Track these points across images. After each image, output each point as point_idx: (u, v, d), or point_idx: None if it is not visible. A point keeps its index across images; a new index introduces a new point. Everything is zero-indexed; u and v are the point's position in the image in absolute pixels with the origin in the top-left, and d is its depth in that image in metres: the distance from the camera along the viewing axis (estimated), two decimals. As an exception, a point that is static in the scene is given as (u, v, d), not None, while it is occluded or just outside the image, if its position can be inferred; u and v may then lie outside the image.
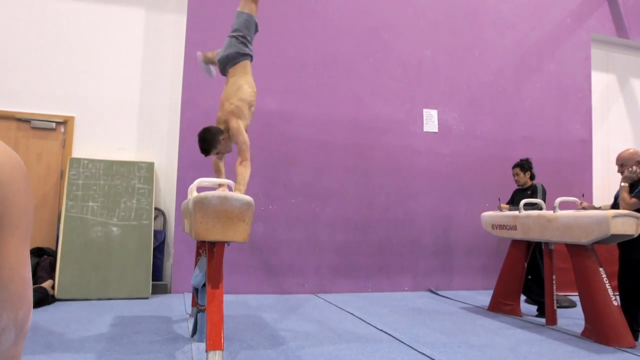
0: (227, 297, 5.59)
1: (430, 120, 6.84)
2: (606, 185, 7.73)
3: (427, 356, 3.44)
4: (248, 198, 2.99)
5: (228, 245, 3.33)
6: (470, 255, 6.85)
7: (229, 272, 5.92)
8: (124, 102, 6.03)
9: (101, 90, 5.96)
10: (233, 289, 5.91)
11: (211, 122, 6.17)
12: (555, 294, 4.64)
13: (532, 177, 5.36)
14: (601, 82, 8.12)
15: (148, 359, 3.20)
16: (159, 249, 5.82)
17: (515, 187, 5.61)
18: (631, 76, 8.34)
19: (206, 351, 2.93)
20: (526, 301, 5.52)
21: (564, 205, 4.65)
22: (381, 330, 4.20)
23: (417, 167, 6.74)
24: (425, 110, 6.85)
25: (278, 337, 3.92)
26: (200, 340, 3.62)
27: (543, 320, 4.77)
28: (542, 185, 5.29)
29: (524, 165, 5.32)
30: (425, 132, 6.81)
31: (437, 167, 6.83)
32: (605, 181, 7.74)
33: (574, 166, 7.45)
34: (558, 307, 5.35)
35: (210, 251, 3.19)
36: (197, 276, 3.75)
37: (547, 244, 4.68)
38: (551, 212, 4.48)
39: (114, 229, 5.46)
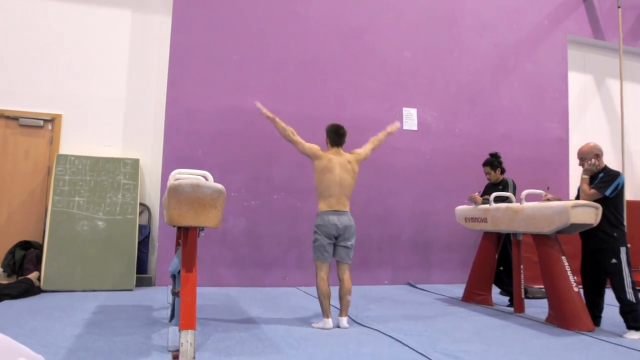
0: (209, 290, 5.76)
1: (410, 119, 7.03)
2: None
3: (394, 338, 3.62)
4: (219, 186, 3.16)
5: (201, 231, 3.50)
6: (449, 250, 7.03)
7: (211, 265, 6.09)
8: (111, 100, 6.20)
9: (88, 89, 6.12)
10: (216, 282, 6.07)
11: (194, 121, 6.37)
12: (522, 283, 4.82)
13: (502, 172, 5.55)
14: (578, 83, 8.34)
15: (125, 341, 3.36)
16: (144, 243, 5.98)
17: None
18: (607, 76, 8.56)
19: (179, 330, 3.10)
20: (501, 293, 5.71)
21: (532, 198, 4.84)
22: (352, 319, 4.37)
23: (397, 164, 6.93)
24: (405, 109, 7.05)
25: (252, 322, 4.09)
26: (176, 324, 3.78)
27: (512, 309, 4.95)
28: (512, 180, 5.48)
29: (494, 163, 5.48)
30: (405, 130, 7.00)
31: (416, 165, 7.02)
32: (582, 179, 7.94)
33: (551, 164, 7.65)
34: (530, 297, 5.55)
35: (184, 236, 3.36)
36: (174, 263, 3.92)
37: (515, 234, 4.87)
38: (518, 204, 4.67)
39: (100, 223, 5.61)
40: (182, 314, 3.13)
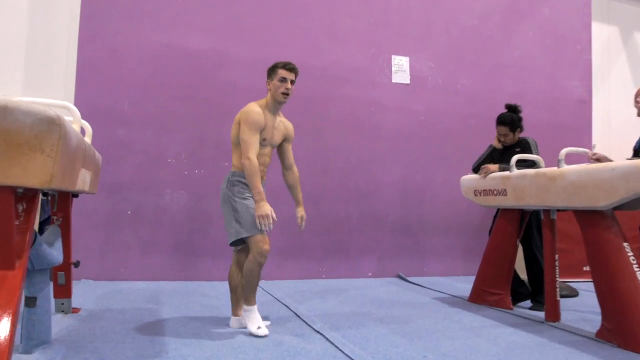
0: (136, 285, 4.37)
1: (401, 70, 5.60)
2: (607, 153, 6.56)
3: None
4: (49, 112, 1.71)
5: (46, 196, 2.05)
6: (448, 234, 5.66)
7: (140, 253, 4.67)
8: (7, 37, 4.69)
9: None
10: (146, 274, 4.66)
11: (117, 64, 4.87)
12: (558, 279, 3.45)
13: (521, 132, 4.16)
14: (601, 35, 6.96)
15: None
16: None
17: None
18: (635, 29, 7.19)
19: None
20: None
21: (570, 160, 3.45)
22: (313, 328, 2.99)
23: (384, 126, 5.51)
24: (394, 57, 5.61)
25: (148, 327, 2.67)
26: (25, 351, 2.36)
27: (540, 314, 3.60)
28: (533, 140, 4.09)
29: (514, 122, 4.07)
30: (395, 83, 5.57)
31: (408, 127, 5.60)
32: (606, 148, 6.58)
33: (571, 130, 6.27)
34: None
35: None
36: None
37: (547, 212, 3.48)
38: (554, 168, 3.28)
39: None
40: None
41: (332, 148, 5.32)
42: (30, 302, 2.36)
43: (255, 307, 2.94)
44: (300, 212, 3.25)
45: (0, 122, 1.62)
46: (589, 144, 6.35)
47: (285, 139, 3.21)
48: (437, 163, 5.67)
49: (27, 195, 1.94)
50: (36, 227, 3.19)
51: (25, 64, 4.72)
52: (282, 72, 3.01)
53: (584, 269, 5.41)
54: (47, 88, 4.72)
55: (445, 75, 5.80)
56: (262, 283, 4.55)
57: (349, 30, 5.46)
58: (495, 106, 5.79)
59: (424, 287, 4.84)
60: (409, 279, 5.23)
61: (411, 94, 5.63)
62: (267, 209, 2.83)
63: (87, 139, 2.94)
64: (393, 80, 5.57)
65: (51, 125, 1.70)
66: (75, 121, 2.33)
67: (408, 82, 5.63)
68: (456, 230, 5.69)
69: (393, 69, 5.58)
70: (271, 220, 2.84)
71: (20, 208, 1.91)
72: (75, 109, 2.33)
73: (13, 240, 1.81)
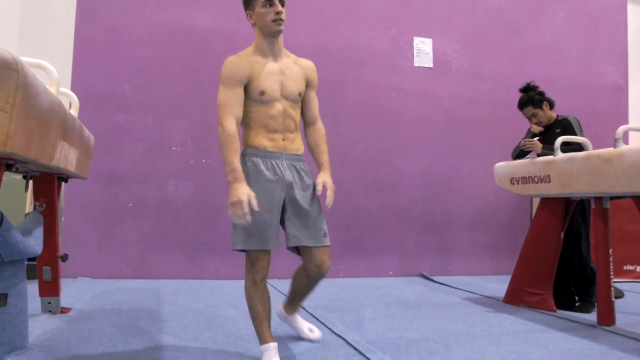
0: (136, 283, 4.02)
1: (423, 53, 5.19)
2: (645, 144, 6.12)
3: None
4: (3, 53, 1.33)
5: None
6: (474, 230, 5.23)
7: (141, 249, 4.32)
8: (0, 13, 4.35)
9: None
10: (148, 273, 4.31)
11: (118, 43, 4.49)
12: (612, 278, 3.02)
13: (551, 106, 3.74)
14: (638, 17, 6.48)
15: None
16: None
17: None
18: (673, 12, 6.71)
19: None
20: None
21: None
22: (334, 332, 2.59)
23: (405, 112, 5.10)
24: (416, 39, 5.20)
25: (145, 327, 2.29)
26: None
27: (589, 317, 3.18)
28: (575, 118, 3.67)
29: (534, 99, 3.64)
30: (417, 67, 5.16)
31: (431, 114, 5.18)
32: (644, 138, 6.13)
33: (606, 118, 5.81)
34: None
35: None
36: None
37: (599, 200, 3.05)
38: (610, 149, 2.85)
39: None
40: None
41: (350, 137, 4.92)
42: (1, 300, 1.98)
43: (270, 346, 2.06)
44: (322, 177, 2.20)
45: None
46: (625, 133, 5.88)
47: (306, 85, 2.28)
48: (463, 153, 5.24)
49: None
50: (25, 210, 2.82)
51: (19, 42, 4.37)
52: None
53: (625, 267, 4.96)
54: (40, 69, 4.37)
55: (471, 58, 5.37)
56: (275, 282, 4.16)
57: (368, 10, 5.06)
58: (526, 91, 5.34)
59: (451, 286, 4.41)
60: (433, 278, 4.81)
61: (434, 78, 5.21)
62: (240, 193, 1.93)
63: (74, 111, 2.57)
64: (415, 64, 5.15)
65: (5, 70, 1.32)
66: (52, 83, 1.96)
67: (431, 65, 5.21)
68: (484, 226, 5.26)
69: (415, 51, 5.17)
70: (246, 210, 1.91)
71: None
72: (52, 68, 1.97)
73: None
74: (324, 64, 4.56)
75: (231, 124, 2.05)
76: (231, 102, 2.09)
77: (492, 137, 5.27)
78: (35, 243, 2.15)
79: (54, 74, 1.98)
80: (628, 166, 2.66)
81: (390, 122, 5.05)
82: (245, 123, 2.15)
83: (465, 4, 5.42)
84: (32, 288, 2.56)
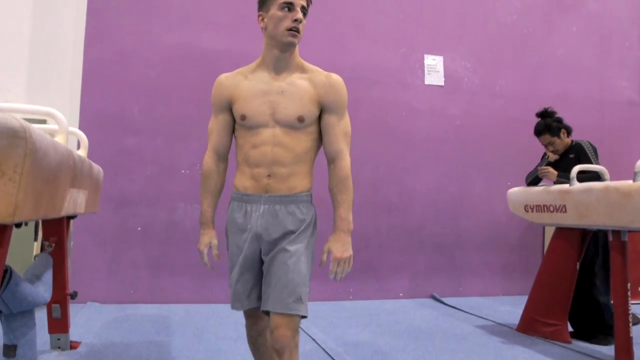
0: (145, 309, 3.99)
1: (434, 70, 5.13)
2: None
3: None
4: (11, 121, 1.29)
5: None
6: (486, 251, 5.16)
7: (151, 273, 4.29)
8: (9, 37, 4.34)
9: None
10: (157, 297, 4.28)
11: (126, 66, 4.47)
12: (631, 311, 2.95)
13: (569, 133, 3.68)
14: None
15: None
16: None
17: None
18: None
19: None
20: None
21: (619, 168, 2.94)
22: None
23: (416, 131, 5.04)
24: (427, 57, 5.14)
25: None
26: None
27: (605, 349, 3.11)
28: (589, 143, 3.61)
29: (552, 126, 3.59)
30: (427, 85, 5.10)
31: (442, 133, 5.12)
32: (659, 154, 6.03)
33: (619, 134, 5.73)
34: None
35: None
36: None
37: (617, 233, 2.98)
38: (629, 182, 2.79)
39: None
40: None
41: (359, 156, 4.82)
42: (10, 351, 1.96)
43: None
44: (330, 242, 1.79)
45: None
46: (639, 149, 5.79)
47: (321, 108, 1.80)
48: (475, 172, 5.18)
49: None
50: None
51: (29, 66, 4.36)
52: None
53: (640, 289, 4.88)
54: (52, 92, 4.35)
55: (483, 75, 5.31)
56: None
57: (378, 27, 5.01)
58: (537, 109, 5.31)
59: (463, 310, 4.35)
60: (444, 299, 4.75)
61: (445, 96, 5.16)
62: (201, 241, 1.84)
63: (82, 151, 2.53)
64: (426, 82, 5.10)
65: (13, 139, 1.28)
66: (61, 132, 1.92)
67: (442, 83, 5.15)
68: (495, 246, 5.18)
69: (426, 69, 5.11)
70: (205, 260, 1.81)
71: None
72: (61, 117, 1.93)
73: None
74: (334, 85, 4.53)
75: (208, 158, 1.86)
76: (212, 131, 1.85)
77: (504, 156, 5.20)
78: (44, 289, 2.12)
79: (63, 123, 1.94)
80: (648, 202, 2.60)
81: (400, 141, 4.99)
82: (237, 155, 1.85)
83: (477, 21, 5.36)
84: (41, 319, 2.54)
